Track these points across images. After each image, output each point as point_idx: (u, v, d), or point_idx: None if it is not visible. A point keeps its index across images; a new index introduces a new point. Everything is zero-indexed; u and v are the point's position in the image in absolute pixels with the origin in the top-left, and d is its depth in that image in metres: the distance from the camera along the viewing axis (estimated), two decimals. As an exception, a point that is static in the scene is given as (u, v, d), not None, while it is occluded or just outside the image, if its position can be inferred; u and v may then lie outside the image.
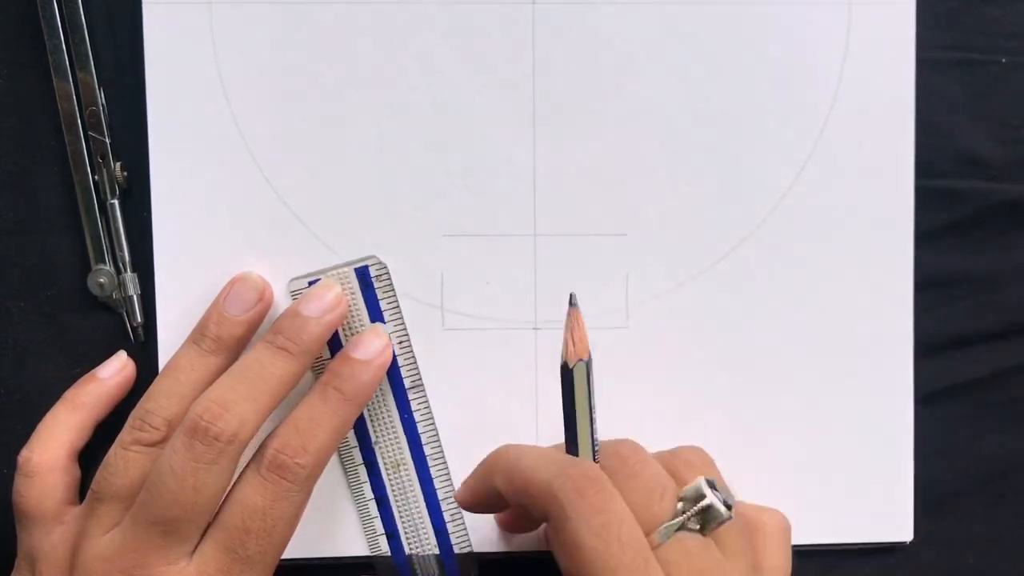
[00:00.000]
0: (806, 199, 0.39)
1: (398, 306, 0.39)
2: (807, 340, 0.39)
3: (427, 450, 0.39)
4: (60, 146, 0.39)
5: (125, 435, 0.35)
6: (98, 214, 0.39)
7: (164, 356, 0.39)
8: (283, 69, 0.38)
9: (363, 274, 0.38)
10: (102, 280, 0.39)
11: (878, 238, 0.39)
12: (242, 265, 0.39)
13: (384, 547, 0.39)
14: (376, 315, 0.38)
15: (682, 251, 0.39)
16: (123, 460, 0.35)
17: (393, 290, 0.39)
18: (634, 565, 0.30)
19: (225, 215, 0.39)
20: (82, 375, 0.39)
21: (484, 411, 0.39)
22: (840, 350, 0.39)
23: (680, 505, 0.32)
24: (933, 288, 0.40)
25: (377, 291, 0.38)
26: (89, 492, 0.35)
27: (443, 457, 0.39)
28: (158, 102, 0.38)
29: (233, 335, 0.37)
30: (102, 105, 0.39)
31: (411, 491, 0.39)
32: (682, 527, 0.31)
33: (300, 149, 0.39)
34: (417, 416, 0.39)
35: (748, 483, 0.39)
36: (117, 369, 0.39)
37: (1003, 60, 0.40)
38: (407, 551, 0.39)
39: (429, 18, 0.39)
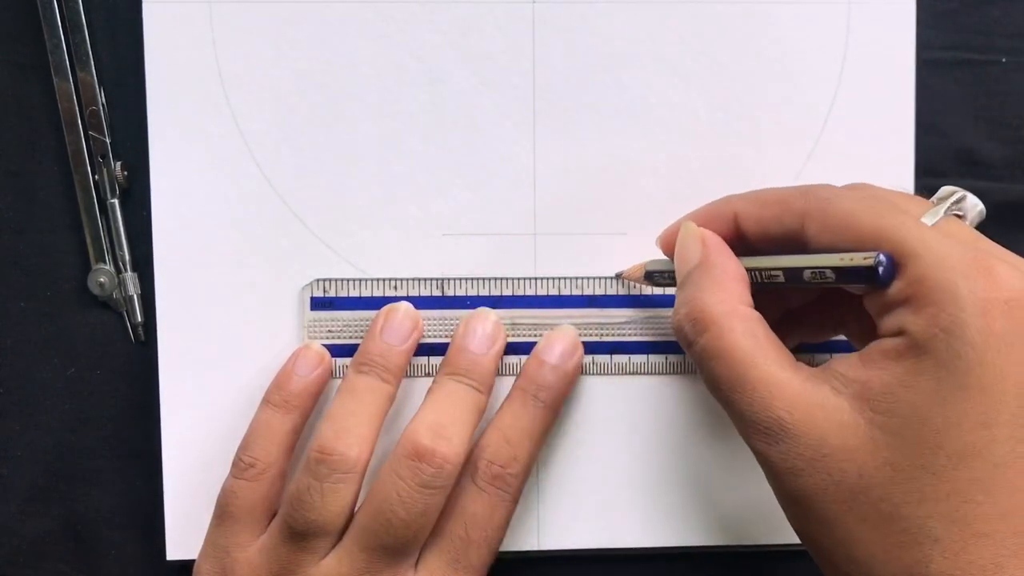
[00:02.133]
0: (806, 199, 0.39)
1: None
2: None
3: None
4: (60, 146, 0.39)
5: (317, 467, 0.34)
6: (98, 214, 0.39)
7: (164, 356, 0.39)
8: (283, 69, 0.39)
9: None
10: (102, 279, 0.39)
11: (878, 238, 0.39)
12: (242, 265, 0.39)
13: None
14: None
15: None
16: (319, 494, 0.34)
17: None
18: (914, 222, 0.29)
19: (225, 215, 0.39)
20: (82, 375, 0.39)
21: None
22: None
23: (936, 203, 0.32)
24: (933, 288, 0.40)
25: None
26: (283, 525, 0.35)
27: None
28: (158, 102, 0.38)
29: (397, 364, 0.37)
30: (102, 105, 0.39)
31: None
32: (947, 211, 0.31)
33: (300, 149, 0.39)
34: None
35: (748, 476, 0.39)
36: (315, 364, 0.38)
37: (1003, 60, 0.40)
38: None
39: (429, 17, 0.39)
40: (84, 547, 0.40)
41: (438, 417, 0.35)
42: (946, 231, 0.30)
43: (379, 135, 0.39)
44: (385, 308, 0.38)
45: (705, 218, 0.34)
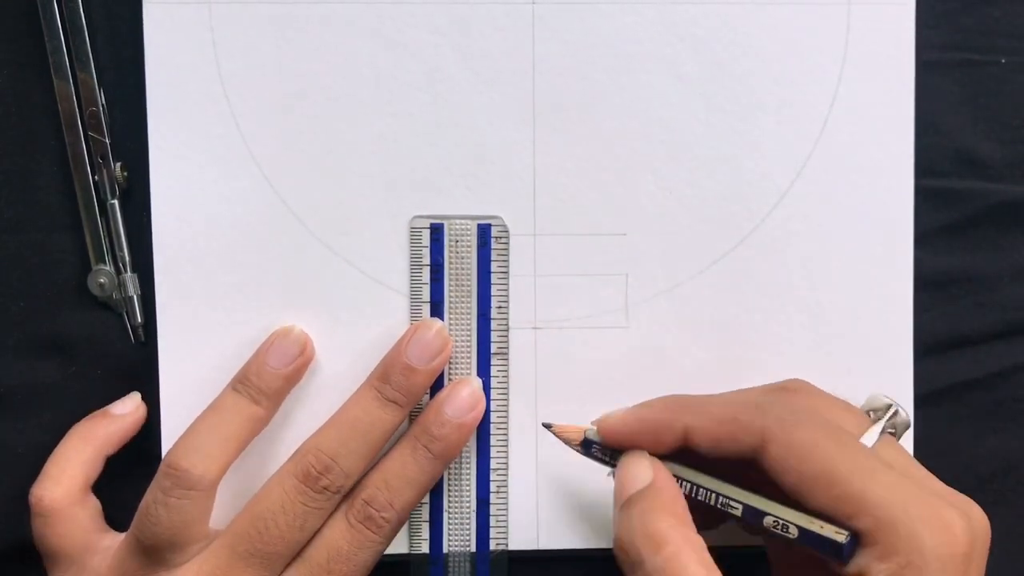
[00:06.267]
0: (806, 199, 0.39)
1: (507, 272, 0.39)
2: (806, 340, 0.39)
3: (493, 443, 0.39)
4: (60, 146, 0.39)
5: (164, 480, 0.36)
6: (98, 214, 0.39)
7: (164, 356, 0.39)
8: (283, 69, 0.39)
9: (484, 231, 0.39)
10: (102, 280, 0.39)
11: (878, 238, 0.39)
12: (242, 265, 0.39)
13: (424, 534, 0.39)
14: (484, 273, 0.39)
15: (682, 251, 0.39)
16: (164, 508, 0.35)
17: (507, 257, 0.39)
18: (870, 460, 0.31)
19: (225, 215, 0.39)
20: (82, 375, 0.39)
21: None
22: (840, 350, 0.39)
23: (872, 415, 0.34)
24: (933, 288, 0.40)
25: (493, 251, 0.39)
26: (132, 537, 0.36)
27: (506, 455, 0.39)
28: (158, 102, 0.38)
29: (272, 387, 0.37)
30: (102, 105, 0.39)
31: (466, 483, 0.39)
32: (883, 431, 0.33)
33: (300, 149, 0.39)
34: (493, 404, 0.39)
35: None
36: (131, 409, 0.39)
37: (1003, 60, 0.40)
38: (446, 548, 0.39)
39: (429, 17, 0.39)
40: (84, 547, 0.40)
41: (338, 446, 0.36)
42: (887, 458, 0.31)
43: (379, 135, 0.39)
44: (277, 330, 0.38)
45: (653, 427, 0.34)
